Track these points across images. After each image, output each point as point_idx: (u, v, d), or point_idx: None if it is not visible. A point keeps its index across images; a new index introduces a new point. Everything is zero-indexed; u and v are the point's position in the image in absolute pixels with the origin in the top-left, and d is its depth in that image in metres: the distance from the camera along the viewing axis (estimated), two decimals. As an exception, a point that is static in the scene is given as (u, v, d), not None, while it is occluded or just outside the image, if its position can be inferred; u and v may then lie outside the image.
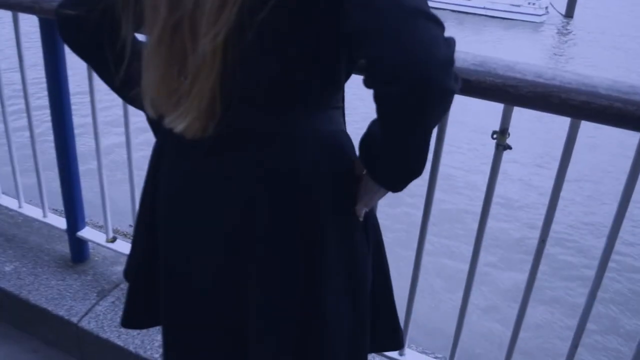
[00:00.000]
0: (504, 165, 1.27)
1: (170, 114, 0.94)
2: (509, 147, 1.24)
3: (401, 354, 1.62)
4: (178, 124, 0.91)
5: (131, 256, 1.24)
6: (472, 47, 1.12)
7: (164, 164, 1.07)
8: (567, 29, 18.85)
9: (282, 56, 0.89)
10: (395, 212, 6.09)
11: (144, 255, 1.17)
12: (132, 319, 1.25)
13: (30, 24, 1.84)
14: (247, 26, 0.83)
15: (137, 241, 1.20)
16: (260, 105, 0.95)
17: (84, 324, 1.83)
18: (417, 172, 0.91)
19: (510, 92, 1.10)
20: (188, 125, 0.90)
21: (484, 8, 20.65)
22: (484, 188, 1.32)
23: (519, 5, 20.33)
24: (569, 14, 21.10)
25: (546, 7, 20.67)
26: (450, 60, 0.78)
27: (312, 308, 1.03)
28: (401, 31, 0.76)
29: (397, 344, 1.27)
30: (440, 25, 0.79)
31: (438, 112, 0.82)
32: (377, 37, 0.78)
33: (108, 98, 1.52)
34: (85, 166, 2.15)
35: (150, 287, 1.16)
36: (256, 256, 1.01)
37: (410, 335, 1.59)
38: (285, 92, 0.94)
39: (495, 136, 1.23)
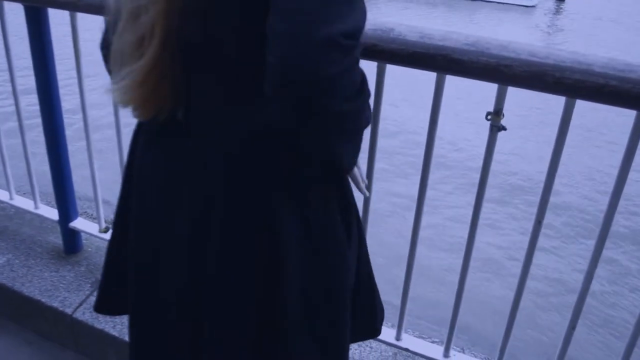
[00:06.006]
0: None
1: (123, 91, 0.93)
2: (504, 128, 1.22)
3: (398, 339, 1.62)
4: (121, 98, 0.91)
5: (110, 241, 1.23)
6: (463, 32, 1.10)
7: (138, 149, 1.07)
8: (560, 13, 18.81)
9: (236, 42, 0.87)
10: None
11: (117, 240, 1.17)
12: (103, 304, 1.26)
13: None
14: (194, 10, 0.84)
15: (115, 226, 1.19)
16: (217, 95, 0.93)
17: (78, 314, 1.82)
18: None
19: (504, 71, 1.08)
20: (137, 105, 0.90)
21: (475, -8, 20.52)
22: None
23: (510, -12, 20.23)
24: (562, -3, 21.03)
25: (538, -10, 20.56)
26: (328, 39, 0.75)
27: (272, 307, 1.01)
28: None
29: (374, 332, 1.27)
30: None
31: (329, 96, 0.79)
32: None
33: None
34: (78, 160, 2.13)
35: (122, 274, 1.15)
36: (212, 251, 0.99)
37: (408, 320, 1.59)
38: (240, 81, 0.91)
39: (489, 117, 1.22)
